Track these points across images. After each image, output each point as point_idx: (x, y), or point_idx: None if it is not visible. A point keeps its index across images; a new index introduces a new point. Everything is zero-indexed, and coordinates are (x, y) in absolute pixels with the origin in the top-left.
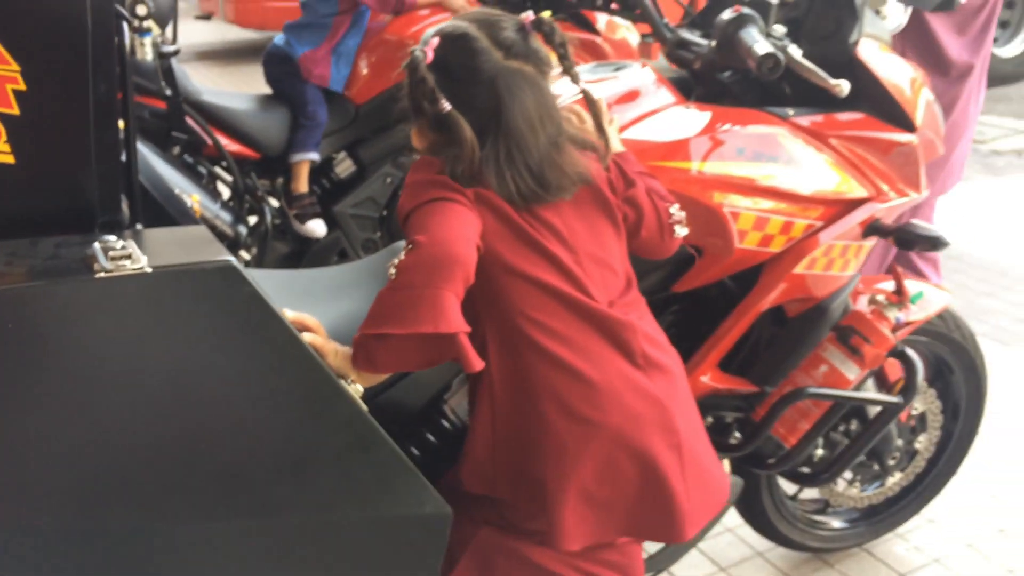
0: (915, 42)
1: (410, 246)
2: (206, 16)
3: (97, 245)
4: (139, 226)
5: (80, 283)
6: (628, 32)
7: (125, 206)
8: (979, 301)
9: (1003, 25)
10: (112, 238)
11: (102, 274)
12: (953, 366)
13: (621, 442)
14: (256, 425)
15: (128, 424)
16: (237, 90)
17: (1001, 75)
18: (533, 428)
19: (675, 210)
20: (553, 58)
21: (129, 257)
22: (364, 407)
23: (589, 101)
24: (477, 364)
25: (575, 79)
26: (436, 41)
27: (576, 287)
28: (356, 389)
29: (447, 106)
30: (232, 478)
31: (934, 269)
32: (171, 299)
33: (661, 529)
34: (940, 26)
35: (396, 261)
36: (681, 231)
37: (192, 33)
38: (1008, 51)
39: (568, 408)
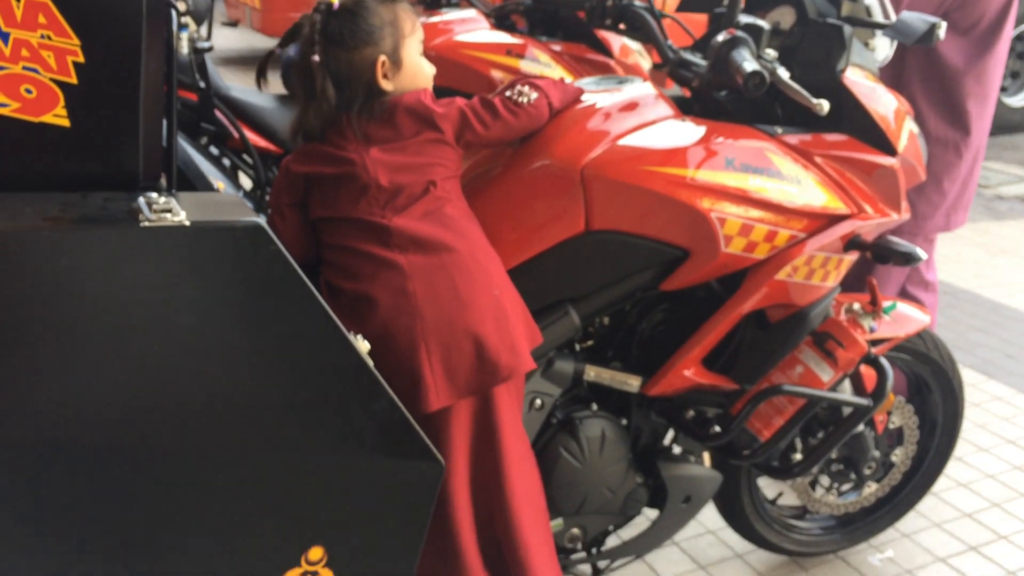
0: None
1: None
2: (232, 23)
3: (142, 199)
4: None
5: (126, 230)
6: (640, 57)
7: (163, 180)
8: (969, 335)
9: (1013, 75)
10: (155, 195)
11: (146, 223)
12: (931, 385)
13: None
14: (270, 371)
15: (158, 359)
16: None
17: (1009, 124)
18: None
19: (514, 92)
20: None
21: (170, 211)
22: (370, 361)
23: None
24: None
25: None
26: None
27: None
28: (363, 344)
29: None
30: (246, 417)
31: (930, 293)
32: (205, 251)
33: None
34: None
35: None
36: (531, 96)
37: (218, 38)
38: (1017, 101)
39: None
